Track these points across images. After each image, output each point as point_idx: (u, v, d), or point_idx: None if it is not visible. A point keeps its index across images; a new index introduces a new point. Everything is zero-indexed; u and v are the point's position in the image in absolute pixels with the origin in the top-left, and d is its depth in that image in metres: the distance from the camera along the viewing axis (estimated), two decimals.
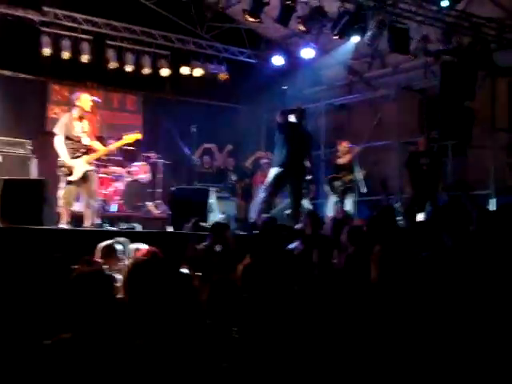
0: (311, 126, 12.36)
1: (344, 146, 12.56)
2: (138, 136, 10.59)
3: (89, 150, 9.41)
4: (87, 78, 13.75)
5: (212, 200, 10.81)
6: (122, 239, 6.30)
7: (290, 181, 10.04)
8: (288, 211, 10.83)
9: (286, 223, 9.54)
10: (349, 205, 12.14)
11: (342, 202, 12.10)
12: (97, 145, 9.62)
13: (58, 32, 13.18)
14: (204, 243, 7.92)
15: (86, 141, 9.40)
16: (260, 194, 10.37)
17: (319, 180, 13.30)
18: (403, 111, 13.82)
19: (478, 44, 12.38)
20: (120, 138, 10.43)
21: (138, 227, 10.58)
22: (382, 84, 15.03)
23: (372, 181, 12.90)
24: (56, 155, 9.30)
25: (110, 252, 6.06)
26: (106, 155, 10.33)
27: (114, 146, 10.40)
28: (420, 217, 10.31)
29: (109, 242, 6.20)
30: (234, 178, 14.21)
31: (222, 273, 5.42)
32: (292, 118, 10.18)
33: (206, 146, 14.19)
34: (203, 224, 9.50)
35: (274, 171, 10.04)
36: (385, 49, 13.04)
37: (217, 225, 8.27)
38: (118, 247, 6.11)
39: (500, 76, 12.96)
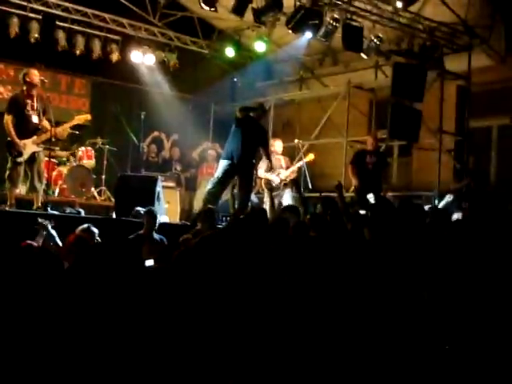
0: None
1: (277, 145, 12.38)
2: (88, 117, 10.44)
3: (38, 130, 9.18)
4: (35, 58, 13.37)
5: (159, 189, 10.67)
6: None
7: (240, 175, 9.92)
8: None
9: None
10: (286, 200, 11.99)
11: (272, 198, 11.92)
12: (47, 125, 9.36)
13: (7, 9, 12.79)
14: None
15: (36, 120, 9.17)
16: (207, 186, 10.23)
17: None
18: (352, 109, 13.89)
19: (430, 47, 12.54)
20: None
21: (82, 213, 10.41)
22: (333, 81, 15.10)
23: (316, 178, 12.93)
24: None
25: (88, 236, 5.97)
26: (54, 137, 10.07)
27: (64, 126, 10.16)
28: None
29: (85, 226, 6.12)
30: (178, 168, 14.07)
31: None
32: (252, 115, 10.07)
33: (156, 133, 14.02)
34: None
35: (223, 163, 9.88)
36: (337, 46, 13.10)
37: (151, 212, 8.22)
38: (95, 231, 6.08)
39: (449, 80, 13.14)
